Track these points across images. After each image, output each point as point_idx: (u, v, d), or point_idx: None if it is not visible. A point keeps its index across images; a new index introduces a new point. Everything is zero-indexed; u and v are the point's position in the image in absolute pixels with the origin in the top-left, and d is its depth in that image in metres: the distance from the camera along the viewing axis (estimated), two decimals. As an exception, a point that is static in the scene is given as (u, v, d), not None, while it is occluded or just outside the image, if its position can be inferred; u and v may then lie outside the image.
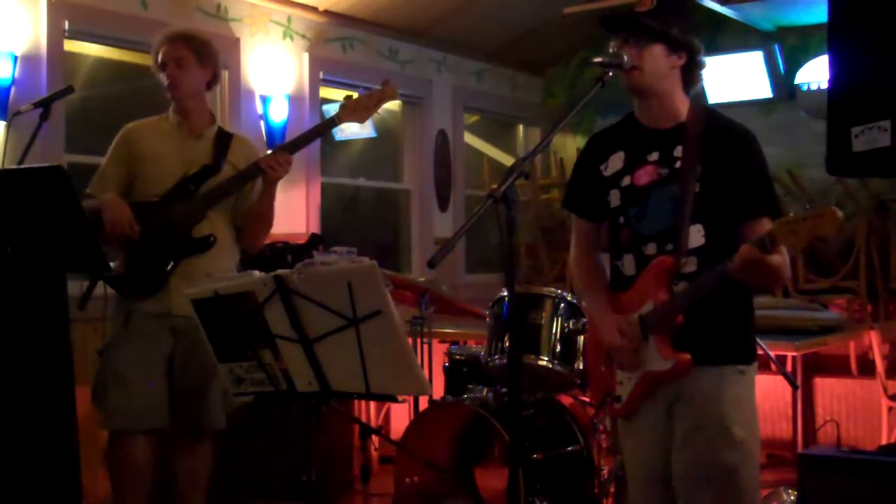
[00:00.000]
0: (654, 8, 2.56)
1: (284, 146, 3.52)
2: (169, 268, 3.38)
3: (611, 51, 2.58)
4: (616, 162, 2.66)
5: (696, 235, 2.53)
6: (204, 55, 3.50)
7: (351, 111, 3.53)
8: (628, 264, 2.63)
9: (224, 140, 3.55)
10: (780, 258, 2.32)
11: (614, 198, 2.65)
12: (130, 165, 3.50)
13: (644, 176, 2.60)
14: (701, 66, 2.63)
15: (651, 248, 2.57)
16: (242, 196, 3.52)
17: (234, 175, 3.46)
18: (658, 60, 2.55)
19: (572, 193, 2.82)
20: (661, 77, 2.57)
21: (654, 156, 2.60)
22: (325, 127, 3.72)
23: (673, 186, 2.55)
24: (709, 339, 2.52)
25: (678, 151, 2.57)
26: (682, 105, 2.62)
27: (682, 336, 2.51)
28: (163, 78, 3.48)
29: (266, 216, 3.54)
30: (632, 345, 2.57)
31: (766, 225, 2.39)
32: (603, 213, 2.70)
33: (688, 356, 2.49)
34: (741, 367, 2.56)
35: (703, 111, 2.63)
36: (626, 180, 2.63)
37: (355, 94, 3.54)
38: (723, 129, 2.59)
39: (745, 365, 2.58)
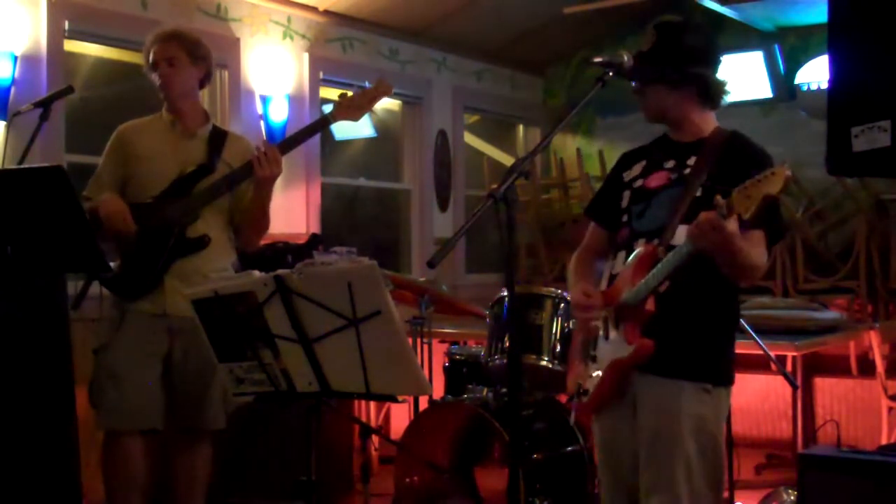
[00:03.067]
0: (653, 47, 2.57)
1: (276, 144, 3.50)
2: (163, 267, 3.38)
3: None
4: (637, 169, 2.71)
5: (682, 234, 2.50)
6: (196, 54, 3.49)
7: (345, 109, 3.52)
8: (618, 261, 2.64)
9: (219, 139, 3.54)
10: (735, 225, 2.30)
11: (625, 198, 2.68)
12: (125, 166, 3.50)
13: (655, 180, 2.63)
14: (719, 86, 2.62)
15: (640, 245, 2.58)
16: (239, 195, 3.51)
17: (227, 174, 3.46)
18: (662, 98, 2.60)
19: (595, 201, 2.87)
20: (669, 109, 2.62)
21: (670, 163, 2.64)
22: (318, 125, 3.69)
23: (677, 189, 2.57)
24: (674, 349, 2.49)
25: (692, 161, 2.59)
26: (704, 123, 2.63)
27: (653, 332, 2.47)
28: (155, 78, 3.47)
29: (257, 219, 3.50)
30: (594, 303, 2.56)
31: (757, 237, 2.41)
32: (619, 219, 2.72)
33: (649, 341, 2.46)
34: (707, 385, 2.51)
35: (728, 132, 2.63)
36: (639, 182, 2.67)
37: (350, 93, 3.54)
38: (741, 148, 2.59)
39: (712, 385, 2.52)
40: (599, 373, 2.59)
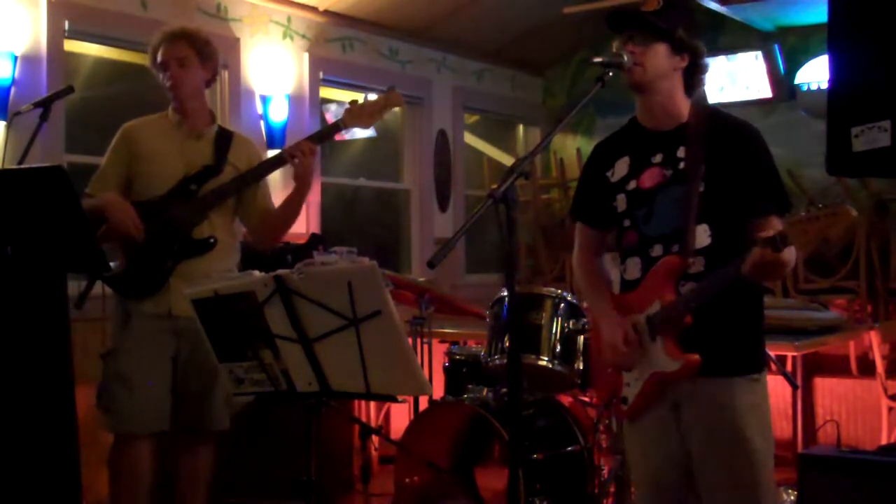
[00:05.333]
0: (660, 8, 2.57)
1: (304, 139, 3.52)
2: (168, 269, 3.38)
3: (614, 50, 2.58)
4: (622, 167, 2.66)
5: (702, 235, 2.52)
6: (205, 53, 3.49)
7: (356, 116, 3.53)
8: (633, 267, 2.63)
9: (224, 140, 3.54)
10: (789, 253, 2.32)
11: (621, 202, 2.65)
12: (130, 165, 3.49)
13: (649, 179, 2.60)
14: (703, 70, 2.64)
15: (657, 250, 2.57)
16: (249, 198, 3.52)
17: (235, 177, 3.46)
18: (661, 60, 2.55)
19: (579, 202, 2.83)
20: (663, 76, 2.57)
21: (658, 158, 2.60)
22: (328, 131, 3.70)
23: (678, 187, 2.55)
24: (721, 349, 2.51)
25: (681, 152, 2.57)
26: (683, 106, 2.62)
27: (692, 339, 2.50)
28: (164, 78, 3.46)
29: (293, 214, 3.56)
30: (633, 351, 2.56)
31: (773, 222, 2.39)
32: (610, 219, 2.70)
33: (696, 357, 2.48)
34: (754, 375, 2.55)
35: (705, 110, 2.62)
36: (633, 184, 2.63)
37: (360, 99, 3.55)
38: (725, 126, 2.58)
39: (758, 373, 2.56)
40: (637, 380, 2.59)
